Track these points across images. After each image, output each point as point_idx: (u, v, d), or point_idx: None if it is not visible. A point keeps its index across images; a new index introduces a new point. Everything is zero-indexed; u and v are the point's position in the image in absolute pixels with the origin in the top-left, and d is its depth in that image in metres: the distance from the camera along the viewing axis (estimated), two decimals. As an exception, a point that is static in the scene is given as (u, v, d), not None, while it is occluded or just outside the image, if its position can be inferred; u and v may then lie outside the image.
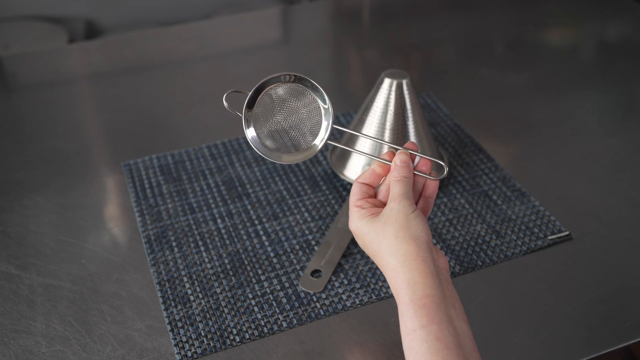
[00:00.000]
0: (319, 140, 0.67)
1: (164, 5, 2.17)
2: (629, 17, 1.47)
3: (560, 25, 1.48)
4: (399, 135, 0.92)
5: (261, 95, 0.66)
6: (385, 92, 0.91)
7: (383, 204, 0.64)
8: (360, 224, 0.62)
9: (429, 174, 0.64)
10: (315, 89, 0.66)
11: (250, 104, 0.66)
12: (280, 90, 0.66)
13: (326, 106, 0.66)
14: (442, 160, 0.99)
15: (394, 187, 0.62)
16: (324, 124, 0.67)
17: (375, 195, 0.66)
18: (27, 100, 1.23)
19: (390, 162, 0.64)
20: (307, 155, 0.67)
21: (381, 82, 0.92)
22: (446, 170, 0.66)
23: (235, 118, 0.67)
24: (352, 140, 0.95)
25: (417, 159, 0.65)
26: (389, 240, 0.59)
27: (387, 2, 1.59)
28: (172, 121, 1.14)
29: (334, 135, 1.06)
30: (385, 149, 0.90)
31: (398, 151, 0.64)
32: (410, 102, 0.91)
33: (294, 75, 0.66)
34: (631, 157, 1.04)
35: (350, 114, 1.13)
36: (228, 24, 1.55)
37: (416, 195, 0.65)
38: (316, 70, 1.31)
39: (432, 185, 0.65)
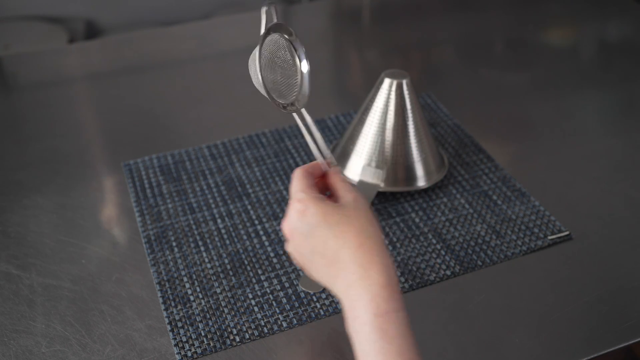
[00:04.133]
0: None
1: (164, 5, 2.17)
2: (629, 17, 1.47)
3: (560, 25, 1.48)
4: (399, 135, 0.92)
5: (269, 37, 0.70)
6: (385, 92, 0.91)
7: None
8: (327, 207, 0.62)
9: (328, 165, 0.68)
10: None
11: (266, 34, 0.69)
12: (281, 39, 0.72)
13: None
14: (442, 160, 0.99)
15: (342, 182, 0.66)
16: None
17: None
18: (27, 100, 1.23)
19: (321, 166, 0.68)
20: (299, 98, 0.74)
21: (381, 82, 0.92)
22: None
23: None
24: (353, 139, 0.95)
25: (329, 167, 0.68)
26: (362, 222, 0.61)
27: (387, 2, 1.58)
28: (172, 121, 1.14)
29: (334, 133, 1.06)
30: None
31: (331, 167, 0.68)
32: (410, 102, 0.91)
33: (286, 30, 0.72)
34: (631, 157, 1.04)
35: (350, 114, 1.13)
36: (228, 24, 1.55)
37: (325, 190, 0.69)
38: (316, 70, 1.31)
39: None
